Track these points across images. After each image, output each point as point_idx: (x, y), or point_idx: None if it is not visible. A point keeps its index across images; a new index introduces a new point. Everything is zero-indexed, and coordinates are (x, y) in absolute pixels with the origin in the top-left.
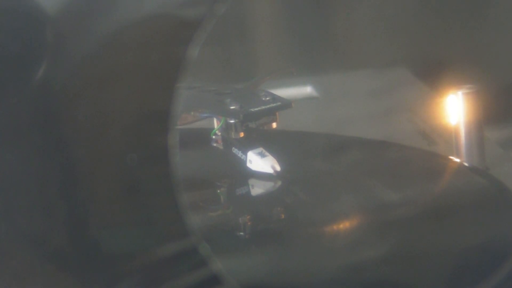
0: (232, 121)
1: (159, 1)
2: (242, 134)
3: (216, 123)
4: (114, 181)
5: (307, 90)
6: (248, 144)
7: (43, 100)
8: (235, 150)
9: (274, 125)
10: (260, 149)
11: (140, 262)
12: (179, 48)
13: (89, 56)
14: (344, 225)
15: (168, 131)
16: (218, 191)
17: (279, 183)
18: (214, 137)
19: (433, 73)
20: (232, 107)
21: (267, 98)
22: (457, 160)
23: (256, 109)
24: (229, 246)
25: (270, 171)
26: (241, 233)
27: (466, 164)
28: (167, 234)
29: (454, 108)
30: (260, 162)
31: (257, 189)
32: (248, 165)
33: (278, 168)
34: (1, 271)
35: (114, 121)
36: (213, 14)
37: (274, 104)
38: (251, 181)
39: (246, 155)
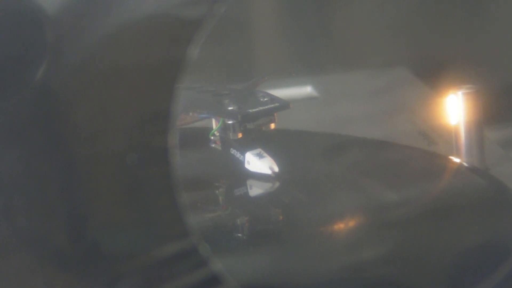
0: (230, 122)
1: (159, 1)
2: (240, 135)
3: (214, 124)
4: (114, 181)
5: (307, 90)
6: (246, 145)
7: (43, 100)
8: (233, 151)
9: (272, 126)
10: (258, 150)
11: (140, 262)
12: (179, 48)
13: (89, 56)
14: (343, 226)
15: (168, 131)
16: (216, 191)
17: (277, 184)
18: (212, 137)
19: (433, 73)
20: (230, 108)
21: (265, 99)
22: (457, 160)
23: (254, 110)
24: (228, 247)
25: (268, 172)
26: (240, 234)
27: (466, 164)
28: (167, 234)
29: (454, 108)
30: (258, 163)
31: (255, 190)
32: (246, 166)
33: (276, 169)
34: (1, 271)
35: (114, 121)
36: (213, 14)
37: (272, 105)
38: (249, 182)
39: (244, 156)
